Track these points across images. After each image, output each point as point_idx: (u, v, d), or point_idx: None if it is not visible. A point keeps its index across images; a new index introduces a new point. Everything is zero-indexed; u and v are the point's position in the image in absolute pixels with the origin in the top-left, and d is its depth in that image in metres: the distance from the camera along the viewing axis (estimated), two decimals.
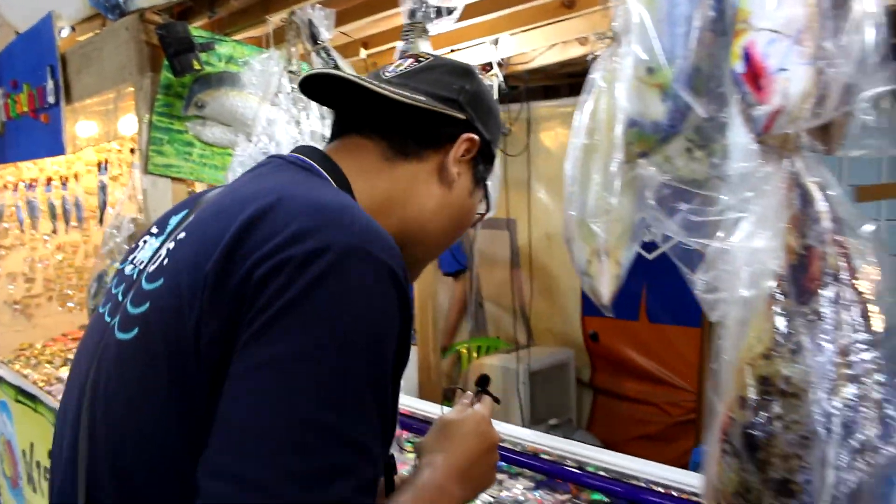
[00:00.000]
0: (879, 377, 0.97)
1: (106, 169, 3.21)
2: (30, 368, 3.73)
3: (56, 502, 0.88)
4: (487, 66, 2.46)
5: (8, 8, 2.97)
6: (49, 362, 3.86)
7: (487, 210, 1.16)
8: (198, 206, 0.93)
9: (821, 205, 1.04)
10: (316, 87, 1.05)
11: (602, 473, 1.89)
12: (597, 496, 1.84)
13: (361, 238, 0.74)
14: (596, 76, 1.42)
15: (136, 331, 0.80)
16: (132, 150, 2.57)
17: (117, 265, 1.00)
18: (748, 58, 1.03)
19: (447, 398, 3.28)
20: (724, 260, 1.13)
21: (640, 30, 1.22)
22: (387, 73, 1.04)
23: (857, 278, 1.01)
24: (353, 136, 1.00)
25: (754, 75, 1.03)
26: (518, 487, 1.89)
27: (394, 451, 1.00)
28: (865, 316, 0.99)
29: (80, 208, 3.76)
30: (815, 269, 1.01)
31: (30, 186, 4.00)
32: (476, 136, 1.02)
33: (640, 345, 3.96)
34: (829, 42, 1.00)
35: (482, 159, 1.07)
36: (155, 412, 0.75)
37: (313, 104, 2.14)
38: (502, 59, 2.37)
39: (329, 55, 2.31)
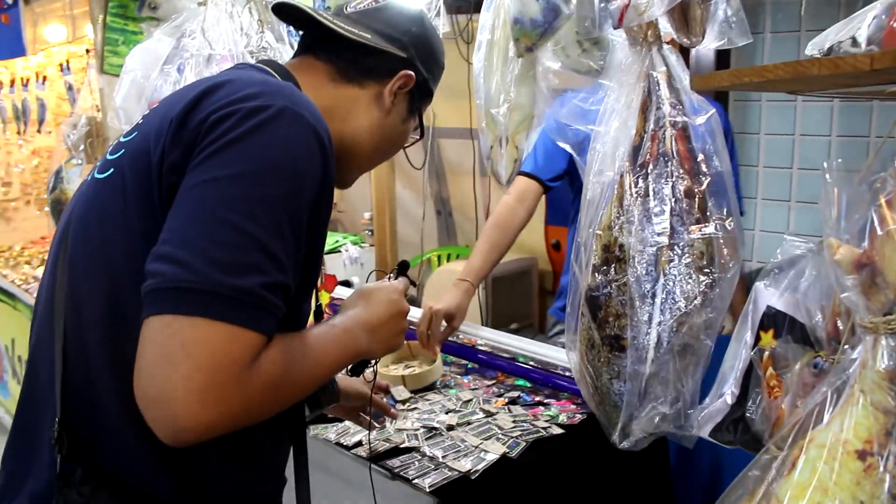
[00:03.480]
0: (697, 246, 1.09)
1: (69, 70, 3.27)
2: (9, 269, 3.87)
3: (34, 330, 1.05)
4: None
5: None
6: (28, 263, 4.00)
7: (421, 137, 1.30)
8: None
9: (664, 92, 1.14)
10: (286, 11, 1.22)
11: (530, 364, 2.05)
12: (521, 382, 2.00)
13: (297, 105, 0.93)
14: None
15: (111, 170, 0.98)
16: (87, 51, 2.62)
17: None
18: None
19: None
20: (600, 142, 1.25)
21: None
22: (348, 8, 1.20)
23: (686, 158, 1.13)
24: (309, 57, 1.17)
25: None
26: (449, 372, 2.05)
27: None
28: (690, 193, 1.11)
29: (45, 110, 3.81)
30: (652, 148, 1.13)
31: None
32: (413, 73, 1.16)
33: None
34: None
35: (419, 93, 1.20)
36: (127, 225, 0.93)
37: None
38: None
39: None
